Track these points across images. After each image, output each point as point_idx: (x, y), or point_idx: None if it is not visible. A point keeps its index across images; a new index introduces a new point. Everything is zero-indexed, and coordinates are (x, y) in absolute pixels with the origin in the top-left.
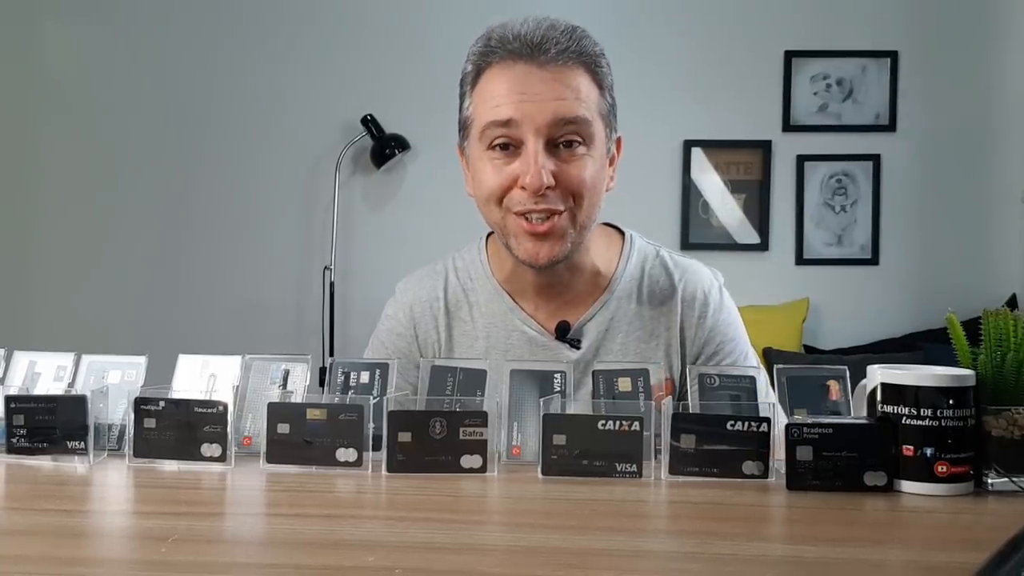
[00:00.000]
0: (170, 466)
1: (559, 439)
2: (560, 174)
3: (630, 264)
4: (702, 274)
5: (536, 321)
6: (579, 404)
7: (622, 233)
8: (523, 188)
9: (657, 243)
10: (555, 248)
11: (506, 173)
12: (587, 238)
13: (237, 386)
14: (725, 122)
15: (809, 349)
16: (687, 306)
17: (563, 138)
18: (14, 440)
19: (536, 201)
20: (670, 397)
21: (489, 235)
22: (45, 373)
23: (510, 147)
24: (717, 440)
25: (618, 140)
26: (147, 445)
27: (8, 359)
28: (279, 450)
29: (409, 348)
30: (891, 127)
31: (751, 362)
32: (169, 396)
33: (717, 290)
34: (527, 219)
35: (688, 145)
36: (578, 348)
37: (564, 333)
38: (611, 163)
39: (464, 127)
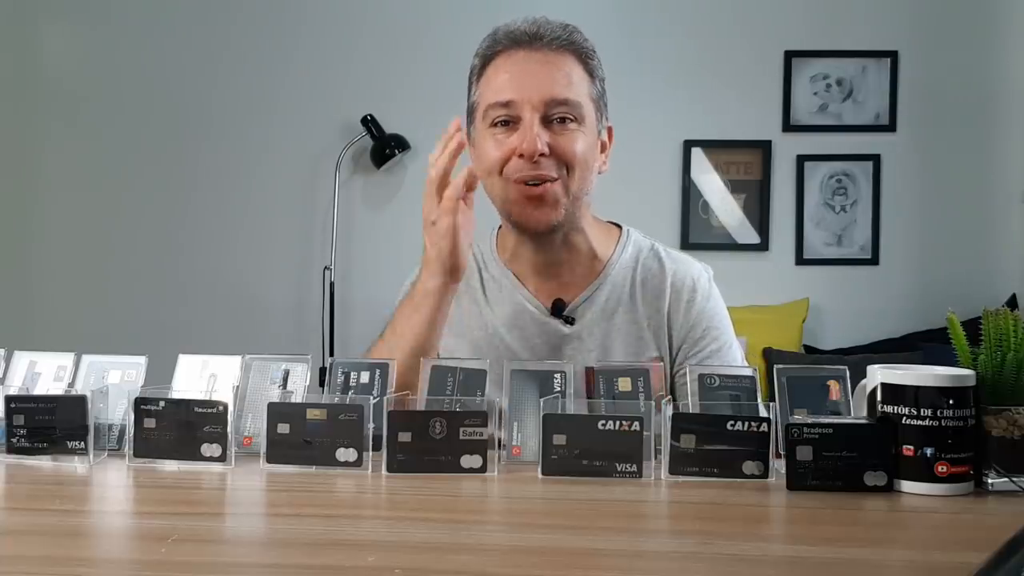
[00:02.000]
0: (170, 466)
1: (559, 439)
2: (554, 145)
3: (626, 253)
4: (692, 265)
5: (537, 299)
6: (577, 381)
7: (621, 229)
8: (520, 156)
9: (653, 239)
10: (549, 213)
11: (506, 145)
12: (581, 214)
13: (237, 386)
14: (725, 122)
15: (809, 349)
16: (676, 292)
17: (557, 115)
18: (14, 440)
19: (532, 167)
20: (670, 397)
21: (499, 228)
22: (45, 373)
23: (509, 123)
24: (717, 440)
25: (609, 129)
26: (147, 445)
27: (8, 359)
28: (279, 450)
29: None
30: (891, 127)
31: (735, 352)
32: (169, 396)
33: (706, 280)
34: (524, 184)
35: (688, 145)
36: (572, 325)
37: (560, 310)
38: (603, 150)
39: (471, 112)
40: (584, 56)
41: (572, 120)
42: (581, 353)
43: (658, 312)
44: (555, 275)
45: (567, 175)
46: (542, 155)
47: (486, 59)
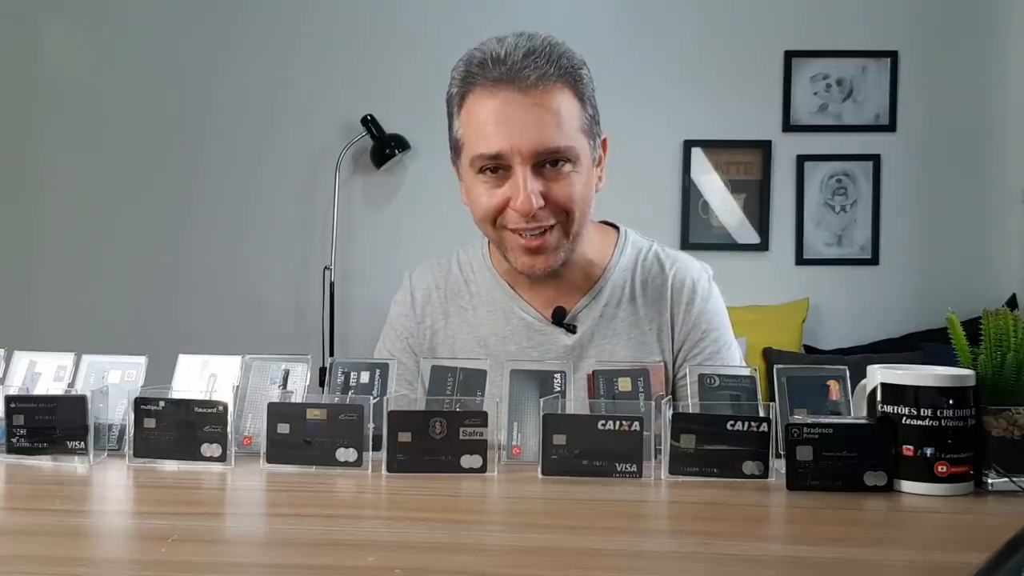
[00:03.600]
0: (170, 466)
1: (559, 439)
2: (548, 193)
3: (624, 255)
4: (692, 265)
5: (534, 308)
6: (577, 389)
7: (618, 229)
8: (515, 210)
9: (651, 239)
10: (549, 260)
11: (498, 196)
12: (580, 240)
13: (237, 386)
14: (725, 122)
15: (809, 349)
16: (676, 292)
17: (549, 159)
18: (14, 440)
19: (528, 221)
20: (670, 397)
21: None
22: (45, 373)
23: (500, 170)
24: (717, 440)
25: (604, 141)
26: (147, 445)
27: (8, 359)
28: (279, 450)
29: (418, 328)
30: (891, 127)
31: (734, 354)
32: (169, 396)
33: (706, 280)
34: (521, 235)
35: (688, 145)
36: (574, 333)
37: (560, 318)
38: (599, 164)
39: (455, 148)
40: (573, 80)
41: (566, 161)
42: (584, 361)
43: (660, 314)
44: (553, 284)
45: (565, 219)
46: (539, 208)
47: (464, 91)
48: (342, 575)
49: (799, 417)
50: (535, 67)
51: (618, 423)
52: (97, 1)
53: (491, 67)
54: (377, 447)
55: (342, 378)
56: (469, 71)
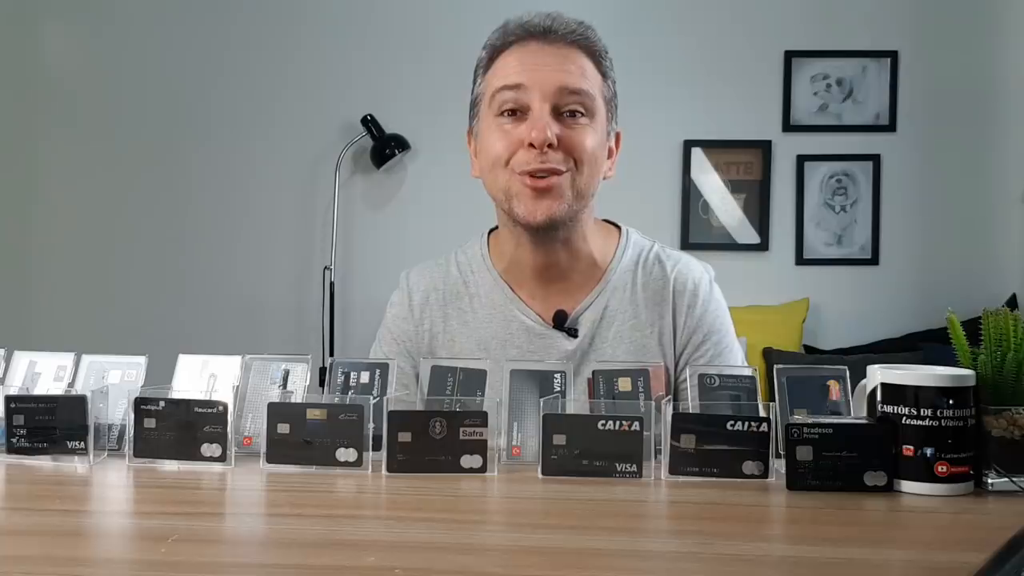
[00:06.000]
0: (170, 466)
1: (559, 439)
2: (563, 137)
3: (626, 256)
4: (694, 266)
5: (534, 311)
6: (578, 392)
7: (619, 229)
8: (529, 146)
9: (652, 239)
10: (553, 206)
11: (514, 136)
12: (583, 218)
13: (237, 386)
14: (725, 122)
15: (809, 349)
16: (678, 295)
17: (567, 107)
18: (14, 440)
19: (539, 158)
20: (670, 397)
21: (491, 232)
22: (45, 373)
23: (518, 113)
24: (717, 440)
25: (617, 135)
26: (147, 445)
27: (8, 359)
28: (279, 450)
29: (416, 331)
30: (891, 127)
31: (736, 355)
32: (169, 396)
33: (708, 282)
34: (529, 176)
35: (688, 145)
36: (575, 337)
37: (561, 322)
38: (610, 155)
39: (475, 104)
40: (597, 55)
41: (583, 114)
42: (585, 365)
43: (661, 317)
44: (554, 280)
45: (575, 169)
46: (550, 147)
47: (495, 50)
48: (342, 575)
49: (799, 417)
50: (564, 27)
51: (618, 423)
52: (98, 1)
53: (524, 26)
54: (377, 447)
55: (342, 378)
56: (505, 31)
